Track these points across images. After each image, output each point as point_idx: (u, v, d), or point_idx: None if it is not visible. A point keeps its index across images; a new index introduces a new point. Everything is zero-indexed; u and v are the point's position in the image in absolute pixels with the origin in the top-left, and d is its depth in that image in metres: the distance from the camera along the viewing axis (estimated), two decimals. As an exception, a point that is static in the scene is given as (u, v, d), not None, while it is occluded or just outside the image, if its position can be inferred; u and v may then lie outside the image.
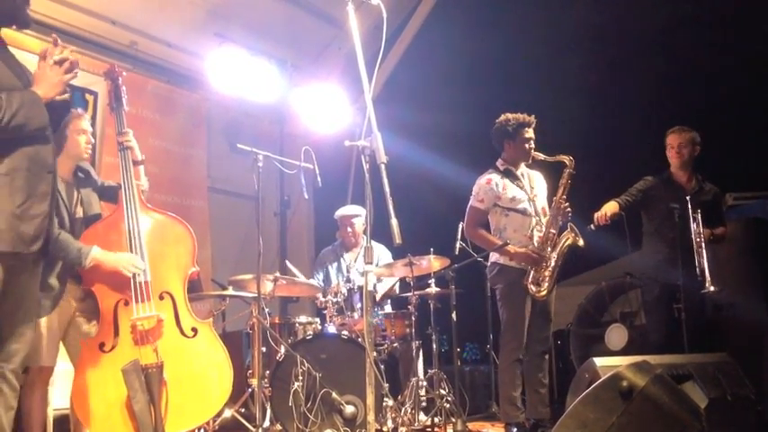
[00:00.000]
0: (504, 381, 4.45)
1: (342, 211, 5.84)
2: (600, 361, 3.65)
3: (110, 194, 3.82)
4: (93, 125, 5.41)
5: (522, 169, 4.67)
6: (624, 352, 5.63)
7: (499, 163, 4.66)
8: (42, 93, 2.68)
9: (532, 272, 4.43)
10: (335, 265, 5.77)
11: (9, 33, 2.86)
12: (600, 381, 2.64)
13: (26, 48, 3.48)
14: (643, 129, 5.84)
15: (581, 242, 4.48)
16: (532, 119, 4.61)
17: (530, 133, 4.60)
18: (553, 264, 4.45)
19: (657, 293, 4.82)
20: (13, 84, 2.66)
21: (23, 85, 2.70)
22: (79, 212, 3.64)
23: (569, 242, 4.47)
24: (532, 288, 4.41)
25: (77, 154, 3.67)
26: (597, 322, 6.17)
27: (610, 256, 6.04)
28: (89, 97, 5.58)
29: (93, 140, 3.77)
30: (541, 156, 4.59)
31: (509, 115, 4.62)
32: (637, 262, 5.26)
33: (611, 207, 4.83)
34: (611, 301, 6.18)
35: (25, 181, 2.63)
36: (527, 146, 4.58)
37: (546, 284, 4.43)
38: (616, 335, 5.87)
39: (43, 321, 3.44)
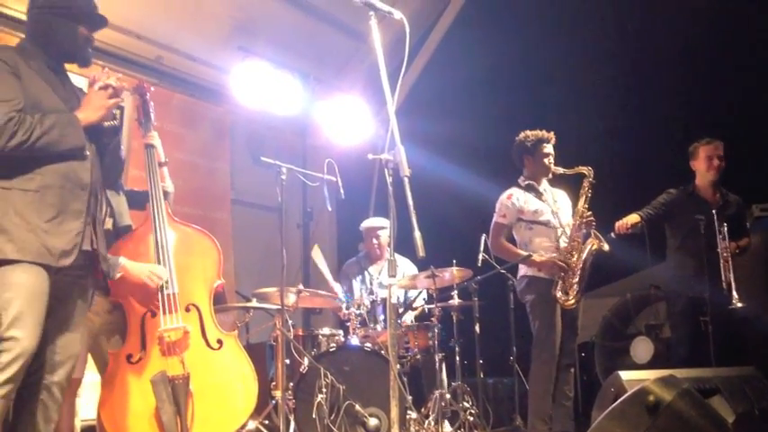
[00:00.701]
0: (537, 394, 4.42)
1: (368, 223, 5.84)
2: (625, 374, 3.62)
3: (136, 200, 3.87)
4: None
5: (545, 185, 4.71)
6: (650, 365, 5.57)
7: (520, 180, 4.70)
8: (83, 116, 2.77)
9: (560, 281, 4.43)
10: (359, 277, 5.78)
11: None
12: (626, 395, 2.62)
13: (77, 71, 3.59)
14: (666, 141, 5.80)
15: (606, 247, 4.48)
16: (551, 135, 4.66)
17: (548, 148, 4.64)
18: (580, 271, 4.44)
19: (683, 306, 4.78)
20: (55, 106, 2.76)
21: (70, 109, 2.80)
22: (108, 224, 3.69)
23: (594, 247, 4.47)
24: (561, 296, 4.40)
25: None
26: (622, 335, 6.12)
27: (632, 269, 6.00)
28: (116, 112, 5.66)
29: (123, 158, 3.81)
30: (561, 170, 4.62)
31: (528, 132, 4.69)
32: (661, 274, 5.22)
33: (632, 218, 4.83)
34: (637, 314, 6.13)
35: (58, 198, 2.70)
36: (546, 161, 4.63)
37: (574, 292, 4.42)
38: (642, 348, 5.82)
39: (71, 333, 3.49)
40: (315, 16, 6.57)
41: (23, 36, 2.99)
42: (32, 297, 2.59)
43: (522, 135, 4.71)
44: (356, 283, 5.75)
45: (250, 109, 6.41)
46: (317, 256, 5.41)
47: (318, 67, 7.00)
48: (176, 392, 3.34)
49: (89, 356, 3.65)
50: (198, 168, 6.38)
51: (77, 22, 2.87)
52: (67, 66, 3.03)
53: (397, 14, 2.83)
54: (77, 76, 3.38)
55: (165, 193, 3.76)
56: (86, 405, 4.05)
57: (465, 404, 4.78)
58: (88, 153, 2.83)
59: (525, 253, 4.49)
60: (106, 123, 2.87)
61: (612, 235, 4.74)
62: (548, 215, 4.58)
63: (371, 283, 5.64)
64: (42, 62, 2.81)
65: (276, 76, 6.16)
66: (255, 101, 6.16)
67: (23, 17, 3.07)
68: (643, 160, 6.08)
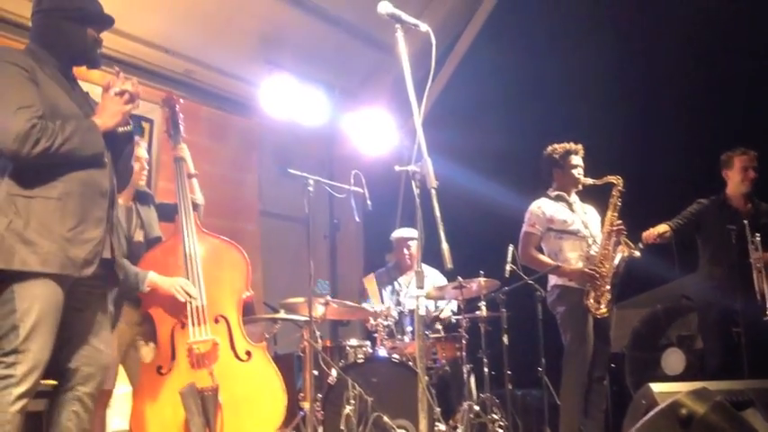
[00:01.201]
0: (567, 406, 4.38)
1: (399, 233, 5.84)
2: (657, 387, 3.56)
3: (166, 212, 3.91)
4: (149, 152, 5.59)
5: (575, 198, 4.68)
6: (682, 377, 5.49)
7: (549, 191, 4.68)
8: (101, 122, 2.75)
9: (592, 290, 4.38)
10: (389, 288, 5.77)
11: (78, 69, 2.97)
12: (658, 408, 2.58)
13: (91, 80, 3.61)
14: (694, 151, 5.72)
15: (636, 253, 4.45)
16: (579, 147, 4.64)
17: (577, 160, 4.63)
18: (611, 279, 4.40)
19: (715, 317, 4.71)
20: (73, 112, 2.73)
21: (84, 114, 2.77)
22: (139, 236, 3.74)
23: (625, 254, 4.43)
24: (593, 305, 4.36)
25: (133, 180, 3.78)
26: (653, 346, 6.03)
27: (661, 280, 5.92)
28: (145, 125, 5.76)
29: (147, 167, 3.87)
30: (590, 180, 4.61)
31: (555, 145, 4.69)
32: (692, 285, 5.15)
33: (660, 228, 4.78)
34: (668, 325, 6.03)
35: (78, 205, 2.67)
36: (575, 172, 4.60)
37: (606, 301, 4.38)
38: (673, 359, 5.73)
39: (102, 345, 3.53)
40: (341, 29, 6.61)
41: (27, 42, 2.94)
42: (48, 310, 2.57)
43: (549, 148, 4.70)
44: (386, 293, 5.74)
45: (277, 121, 6.46)
46: (371, 284, 5.44)
47: (344, 78, 7.05)
48: (205, 404, 3.37)
49: (120, 368, 3.70)
50: (226, 180, 6.44)
51: (86, 24, 2.83)
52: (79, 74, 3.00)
53: (423, 27, 2.83)
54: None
55: (195, 205, 3.80)
56: (117, 416, 4.10)
57: (493, 416, 4.74)
58: (106, 160, 2.81)
59: (555, 263, 4.46)
60: (120, 129, 2.84)
61: (640, 245, 4.69)
62: (577, 225, 4.56)
63: (400, 294, 5.62)
64: (54, 67, 2.78)
65: (303, 87, 6.21)
66: (283, 113, 6.21)
67: (27, 23, 3.02)
68: (673, 170, 6.00)
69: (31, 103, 2.59)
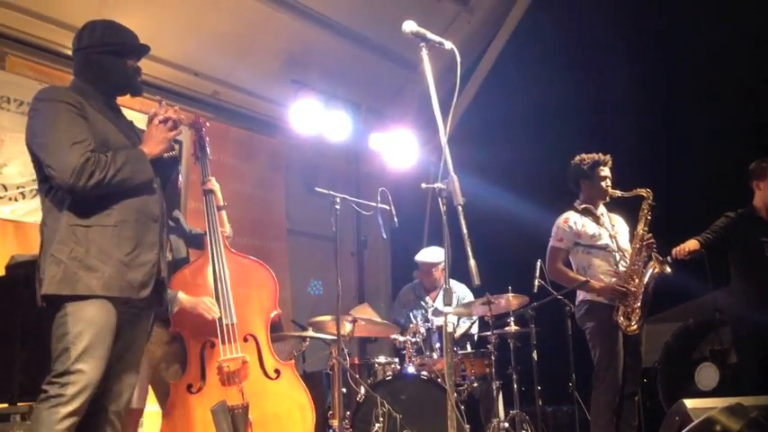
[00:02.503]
0: (598, 424, 4.29)
1: (423, 257, 5.77)
2: (690, 403, 3.51)
3: (197, 241, 3.97)
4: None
5: (602, 209, 4.62)
6: (716, 392, 5.39)
7: (577, 203, 4.62)
8: (148, 150, 2.86)
9: (621, 306, 4.32)
10: (416, 304, 5.77)
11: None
12: (692, 425, 2.55)
13: (129, 106, 3.70)
14: (724, 163, 5.65)
15: (668, 269, 4.36)
16: (608, 157, 4.59)
17: (606, 171, 4.57)
18: (641, 296, 4.33)
19: (749, 331, 4.62)
20: (122, 143, 2.86)
21: (132, 144, 2.90)
22: (168, 257, 3.78)
23: (656, 271, 4.34)
24: (623, 322, 4.29)
25: None
26: (686, 361, 5.93)
27: (692, 294, 5.83)
28: (175, 146, 5.83)
29: (180, 189, 3.93)
30: (618, 192, 4.54)
31: (584, 155, 4.61)
32: (724, 299, 5.07)
33: (691, 244, 4.69)
34: (700, 339, 5.94)
35: (134, 231, 2.79)
36: (604, 184, 4.54)
37: (636, 318, 4.31)
38: (706, 374, 5.63)
39: (133, 364, 3.58)
40: (365, 47, 6.67)
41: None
42: (101, 332, 2.66)
43: (577, 158, 4.64)
44: (412, 311, 5.74)
45: (304, 140, 6.53)
46: (366, 312, 5.41)
47: (370, 96, 7.10)
48: (236, 422, 3.39)
49: (149, 387, 3.73)
50: (254, 199, 6.51)
51: (124, 56, 2.94)
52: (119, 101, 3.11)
53: (448, 45, 2.84)
54: (128, 110, 3.49)
55: (225, 238, 3.85)
56: (148, 435, 4.14)
57: (524, 433, 4.70)
58: (156, 186, 2.93)
59: (583, 278, 4.40)
60: (166, 155, 2.96)
61: (669, 260, 4.62)
62: (606, 239, 4.49)
63: (427, 311, 5.62)
64: (100, 100, 2.90)
65: (329, 106, 6.27)
66: (309, 132, 6.27)
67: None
68: (702, 184, 5.93)
69: (84, 137, 2.71)
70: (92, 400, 2.68)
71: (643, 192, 4.48)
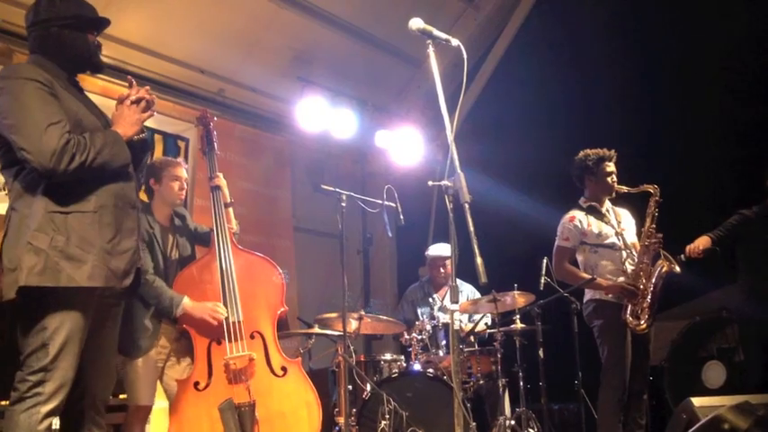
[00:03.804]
0: (606, 422, 4.28)
1: (434, 252, 5.80)
2: (698, 401, 3.50)
3: (203, 239, 3.97)
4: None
5: (607, 205, 4.59)
6: (723, 391, 5.37)
7: (582, 201, 4.59)
8: (122, 131, 2.75)
9: (630, 305, 4.30)
10: (423, 302, 5.77)
11: (100, 84, 2.95)
12: (699, 424, 2.54)
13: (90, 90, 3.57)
14: (734, 161, 5.62)
15: (677, 268, 4.33)
16: (612, 153, 4.54)
17: (611, 167, 4.53)
18: (650, 294, 4.30)
19: (757, 330, 4.61)
20: (95, 124, 2.74)
21: (103, 125, 2.79)
22: (174, 255, 3.80)
23: (665, 269, 4.31)
24: (632, 321, 4.27)
25: (172, 200, 3.85)
26: (693, 359, 5.91)
27: (698, 291, 5.80)
28: (181, 143, 5.86)
29: (186, 186, 3.93)
30: (625, 188, 4.50)
31: (588, 151, 4.57)
32: (732, 297, 5.05)
33: (703, 241, 4.67)
34: (707, 337, 5.92)
35: (113, 217, 2.68)
36: (609, 179, 4.50)
37: (646, 317, 4.28)
38: (714, 372, 5.62)
39: (140, 361, 3.59)
40: (371, 44, 6.66)
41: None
42: (77, 328, 2.58)
43: (582, 154, 4.60)
44: (419, 309, 5.73)
45: (310, 137, 6.52)
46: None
47: (376, 93, 7.09)
48: (243, 420, 3.40)
49: (158, 383, 3.74)
50: (260, 197, 6.51)
51: (84, 30, 2.81)
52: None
53: (454, 42, 2.84)
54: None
55: (233, 234, 3.84)
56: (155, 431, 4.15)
57: (530, 430, 4.69)
58: (131, 171, 2.83)
59: (588, 276, 4.38)
60: (136, 138, 2.84)
61: (682, 257, 4.59)
62: (612, 237, 4.46)
63: (433, 308, 5.61)
64: (64, 78, 2.76)
65: (335, 103, 6.27)
66: (315, 129, 6.27)
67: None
68: (711, 180, 5.90)
69: (59, 118, 2.58)
70: (76, 397, 2.62)
71: (650, 188, 4.43)
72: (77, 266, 2.55)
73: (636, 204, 4.62)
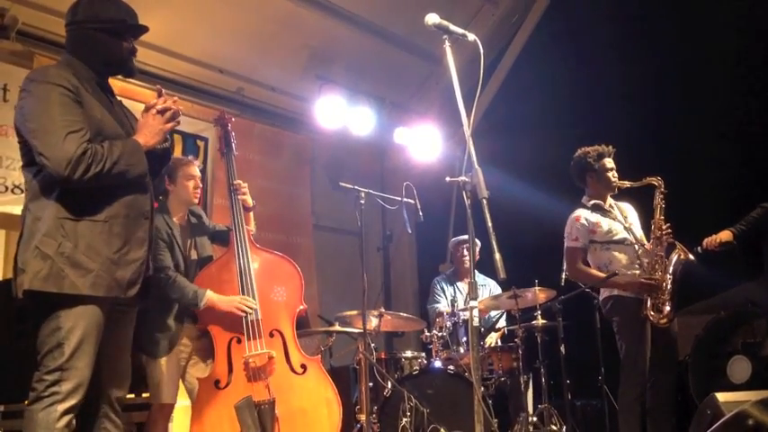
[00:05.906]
0: (626, 418, 4.23)
1: (455, 238, 5.87)
2: (722, 396, 3.45)
3: (221, 237, 3.99)
4: (203, 170, 5.71)
5: (610, 201, 4.52)
6: (748, 386, 5.29)
7: (584, 200, 4.52)
8: (143, 141, 2.75)
9: (649, 299, 4.24)
10: (449, 291, 5.75)
11: (119, 84, 2.95)
12: (724, 419, 2.51)
13: (137, 98, 3.67)
14: (751, 156, 5.54)
15: (691, 257, 4.26)
16: (611, 148, 4.48)
17: (611, 162, 4.46)
18: (670, 286, 4.24)
19: (782, 324, 4.54)
20: (116, 132, 2.74)
21: (126, 132, 2.78)
22: (193, 255, 3.82)
23: (682, 257, 4.25)
24: (654, 315, 4.21)
25: (187, 199, 3.87)
26: (717, 354, 5.83)
27: (723, 285, 5.73)
28: (200, 143, 5.90)
29: (201, 185, 3.95)
30: (627, 183, 4.42)
31: (586, 148, 4.51)
32: (757, 290, 4.97)
33: (724, 235, 4.59)
34: (732, 332, 5.84)
35: (123, 227, 2.69)
36: (611, 175, 4.43)
37: (667, 309, 4.21)
38: (739, 367, 5.53)
39: (163, 361, 3.62)
40: (389, 41, 6.66)
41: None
42: (91, 329, 2.59)
43: (580, 152, 4.52)
44: (444, 299, 5.70)
45: (328, 135, 6.54)
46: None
47: (394, 90, 7.08)
48: (263, 417, 3.41)
49: (180, 382, 3.77)
50: (280, 195, 6.53)
51: (121, 36, 2.80)
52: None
53: (471, 37, 2.82)
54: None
55: (250, 234, 3.85)
56: (178, 430, 4.18)
57: (553, 427, 4.67)
58: (148, 181, 2.83)
59: (603, 275, 4.31)
60: (159, 147, 2.83)
61: (699, 250, 4.53)
62: (622, 233, 4.38)
63: (456, 299, 5.55)
64: (93, 81, 2.76)
65: (353, 101, 6.27)
66: (333, 127, 6.28)
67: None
68: (728, 175, 5.82)
69: (80, 126, 2.59)
70: (92, 398, 2.62)
71: (654, 180, 4.35)
72: (82, 274, 2.57)
73: (635, 199, 4.56)
